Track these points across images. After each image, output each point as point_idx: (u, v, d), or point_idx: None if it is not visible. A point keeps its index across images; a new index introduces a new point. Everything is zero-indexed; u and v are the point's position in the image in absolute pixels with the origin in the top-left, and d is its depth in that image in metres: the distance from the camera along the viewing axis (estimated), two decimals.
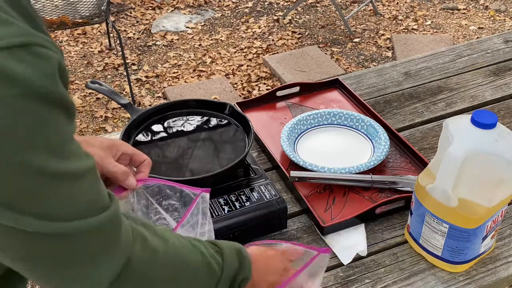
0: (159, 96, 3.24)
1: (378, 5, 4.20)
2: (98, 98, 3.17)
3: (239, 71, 3.45)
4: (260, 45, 3.71)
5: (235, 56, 3.60)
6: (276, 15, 4.09)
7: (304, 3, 4.19)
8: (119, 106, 1.24)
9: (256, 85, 3.29)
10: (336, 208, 1.10)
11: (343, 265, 1.00)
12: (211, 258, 0.73)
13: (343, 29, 3.89)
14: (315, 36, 3.83)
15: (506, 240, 1.05)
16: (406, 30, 3.88)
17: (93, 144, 0.84)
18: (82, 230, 0.57)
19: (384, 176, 1.15)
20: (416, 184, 0.97)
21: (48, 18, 2.69)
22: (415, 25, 3.95)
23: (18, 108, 0.49)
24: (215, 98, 3.12)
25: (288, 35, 3.83)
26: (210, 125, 1.18)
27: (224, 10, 4.19)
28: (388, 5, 4.23)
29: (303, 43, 3.74)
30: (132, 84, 3.24)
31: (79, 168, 0.56)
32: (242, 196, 1.04)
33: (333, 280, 0.97)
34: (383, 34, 3.82)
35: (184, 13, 4.13)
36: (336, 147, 1.26)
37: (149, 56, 3.62)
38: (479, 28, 3.91)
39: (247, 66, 3.50)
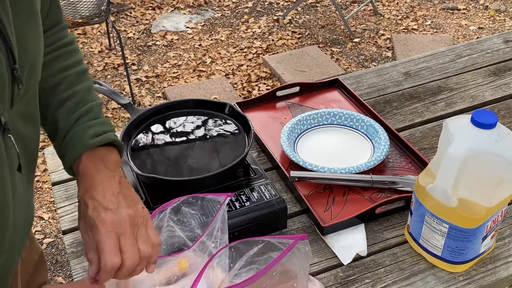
0: (159, 96, 3.24)
1: (378, 5, 4.20)
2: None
3: (239, 71, 3.45)
4: (260, 45, 3.72)
5: (235, 56, 3.60)
6: (276, 15, 4.09)
7: (304, 3, 4.19)
8: (119, 106, 1.24)
9: (256, 85, 3.29)
10: (336, 208, 1.10)
11: (343, 265, 1.00)
12: None
13: (343, 29, 3.89)
14: (315, 36, 3.83)
15: (506, 240, 1.05)
16: (406, 30, 3.89)
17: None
18: None
19: (384, 176, 1.15)
20: (416, 184, 0.97)
21: None
22: (415, 25, 3.95)
23: None
24: (215, 98, 3.12)
25: (288, 35, 3.83)
26: (210, 125, 1.18)
27: (224, 10, 4.19)
28: (388, 5, 4.23)
29: (303, 43, 3.74)
30: (132, 84, 3.24)
31: None
32: (242, 196, 1.04)
33: (333, 280, 0.97)
34: (383, 34, 3.82)
35: (184, 13, 4.13)
36: (336, 147, 1.26)
37: (149, 56, 3.63)
38: (479, 28, 3.91)
39: (247, 66, 3.50)
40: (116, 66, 3.50)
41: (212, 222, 0.86)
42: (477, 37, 3.76)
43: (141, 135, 1.15)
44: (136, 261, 0.73)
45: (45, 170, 2.57)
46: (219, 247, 0.86)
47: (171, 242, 0.88)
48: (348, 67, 3.47)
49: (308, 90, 1.44)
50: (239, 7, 4.22)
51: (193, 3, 4.26)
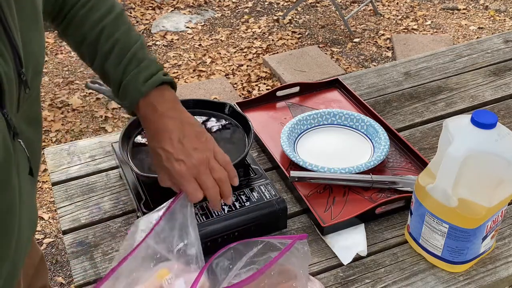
0: None
1: (378, 5, 4.20)
2: (98, 98, 3.17)
3: (239, 71, 3.45)
4: (260, 45, 3.72)
5: (235, 56, 3.60)
6: (276, 15, 4.09)
7: (304, 3, 4.19)
8: (119, 106, 1.24)
9: (256, 85, 3.29)
10: (336, 208, 1.10)
11: (343, 265, 1.00)
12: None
13: (343, 29, 3.89)
14: (315, 36, 3.83)
15: (506, 240, 1.05)
16: (406, 30, 3.89)
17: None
18: None
19: (384, 176, 1.15)
20: (416, 184, 0.97)
21: None
22: (415, 25, 3.95)
23: None
24: (215, 98, 3.12)
25: (288, 35, 3.83)
26: (210, 125, 1.18)
27: (224, 10, 4.19)
28: (388, 5, 4.23)
29: (303, 43, 3.74)
30: None
31: None
32: (242, 196, 1.04)
33: (333, 280, 0.97)
34: (383, 34, 3.83)
35: (184, 13, 4.13)
36: (336, 147, 1.26)
37: None
38: (479, 28, 3.91)
39: (247, 66, 3.50)
40: None
41: (166, 213, 0.84)
42: (477, 37, 3.77)
43: (141, 135, 1.15)
44: (217, 189, 0.84)
45: (45, 170, 2.57)
46: (194, 240, 0.85)
47: (149, 256, 0.84)
48: (348, 67, 3.47)
49: (308, 90, 1.44)
50: (239, 7, 4.22)
51: (193, 3, 4.26)
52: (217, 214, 1.00)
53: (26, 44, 0.67)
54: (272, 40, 3.78)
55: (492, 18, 4.03)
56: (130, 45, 0.87)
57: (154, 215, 0.85)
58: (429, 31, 3.88)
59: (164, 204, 0.85)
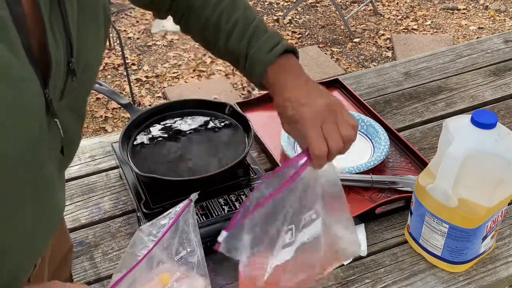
0: (159, 96, 3.24)
1: (378, 5, 4.20)
2: (98, 98, 3.17)
3: None
4: None
5: None
6: (276, 15, 4.09)
7: (304, 3, 4.19)
8: (119, 106, 1.24)
9: None
10: None
11: (343, 265, 1.00)
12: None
13: (343, 29, 3.89)
14: (315, 36, 3.83)
15: (506, 240, 1.05)
16: (406, 30, 3.89)
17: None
18: None
19: (384, 176, 1.15)
20: (416, 184, 0.97)
21: None
22: (415, 25, 3.95)
23: None
24: (215, 98, 3.12)
25: (288, 35, 3.83)
26: (210, 125, 1.18)
27: None
28: (388, 5, 4.24)
29: (303, 43, 3.75)
30: (132, 84, 3.24)
31: None
32: (242, 196, 1.04)
33: (333, 280, 0.97)
34: (383, 34, 3.83)
35: None
36: None
37: (149, 56, 3.63)
38: (479, 28, 3.91)
39: None
40: (116, 66, 3.50)
41: (171, 226, 0.83)
42: (477, 37, 3.77)
43: (141, 135, 1.15)
44: (341, 145, 0.79)
45: None
46: (196, 247, 0.85)
47: (151, 262, 0.83)
48: (348, 67, 3.47)
49: None
50: None
51: None
52: (217, 214, 1.00)
53: (79, 40, 0.67)
54: None
55: (492, 18, 4.03)
56: (250, 22, 0.91)
57: (157, 223, 0.84)
58: (429, 31, 3.88)
59: (169, 211, 0.84)
